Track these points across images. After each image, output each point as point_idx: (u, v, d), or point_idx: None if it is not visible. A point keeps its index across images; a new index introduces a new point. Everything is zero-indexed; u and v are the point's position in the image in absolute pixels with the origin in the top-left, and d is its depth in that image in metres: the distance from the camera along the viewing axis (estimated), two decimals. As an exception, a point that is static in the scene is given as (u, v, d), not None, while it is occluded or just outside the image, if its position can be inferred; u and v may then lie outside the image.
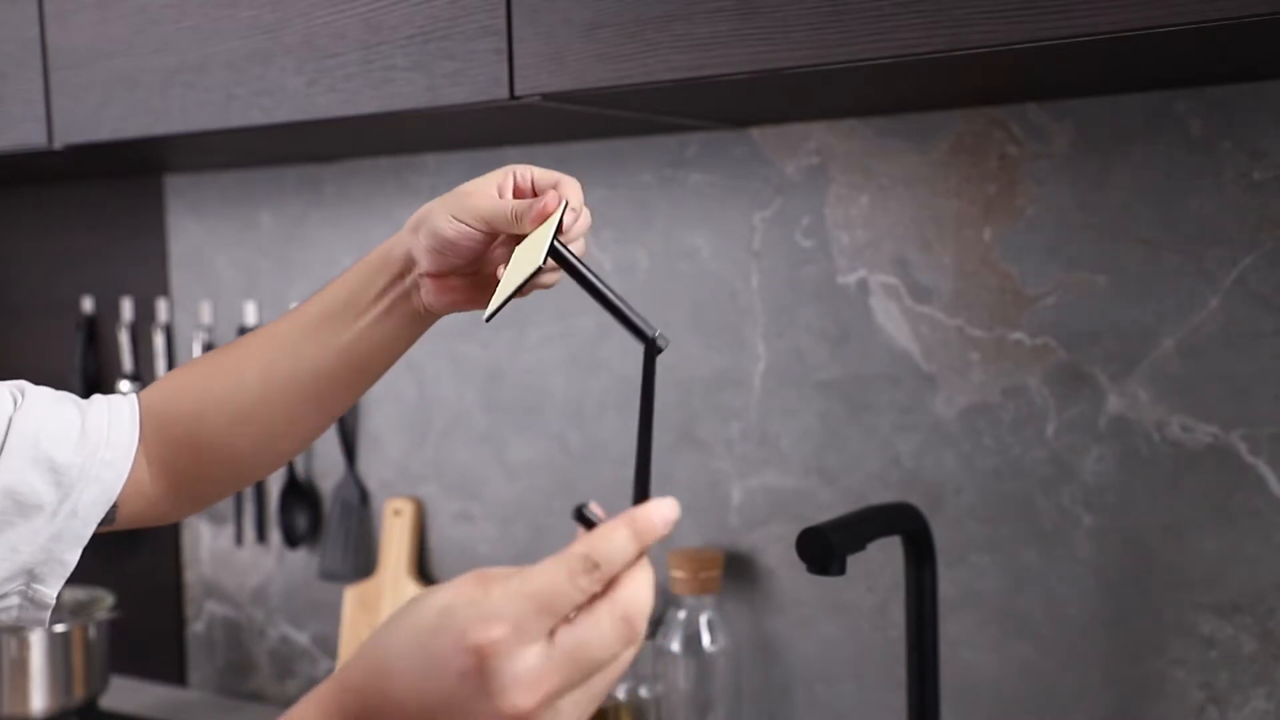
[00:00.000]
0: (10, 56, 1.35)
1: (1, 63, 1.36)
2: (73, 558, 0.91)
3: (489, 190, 0.89)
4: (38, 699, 1.63)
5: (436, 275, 0.91)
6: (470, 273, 0.91)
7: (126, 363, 1.83)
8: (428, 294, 0.91)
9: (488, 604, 0.55)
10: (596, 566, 0.56)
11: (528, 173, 0.90)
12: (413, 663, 0.56)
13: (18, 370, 1.98)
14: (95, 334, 1.88)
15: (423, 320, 0.94)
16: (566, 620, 0.56)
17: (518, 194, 0.90)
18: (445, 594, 0.57)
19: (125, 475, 0.92)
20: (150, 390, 0.97)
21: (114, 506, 0.92)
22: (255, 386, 0.94)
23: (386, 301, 0.92)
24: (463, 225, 0.88)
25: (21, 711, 1.63)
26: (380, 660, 0.57)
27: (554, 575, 0.55)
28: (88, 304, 1.88)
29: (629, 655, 0.58)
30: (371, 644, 0.58)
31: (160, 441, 0.95)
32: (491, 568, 0.59)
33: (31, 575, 0.90)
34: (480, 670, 0.54)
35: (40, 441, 0.88)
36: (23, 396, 0.90)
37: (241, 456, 0.97)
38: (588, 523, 0.59)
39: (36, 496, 0.88)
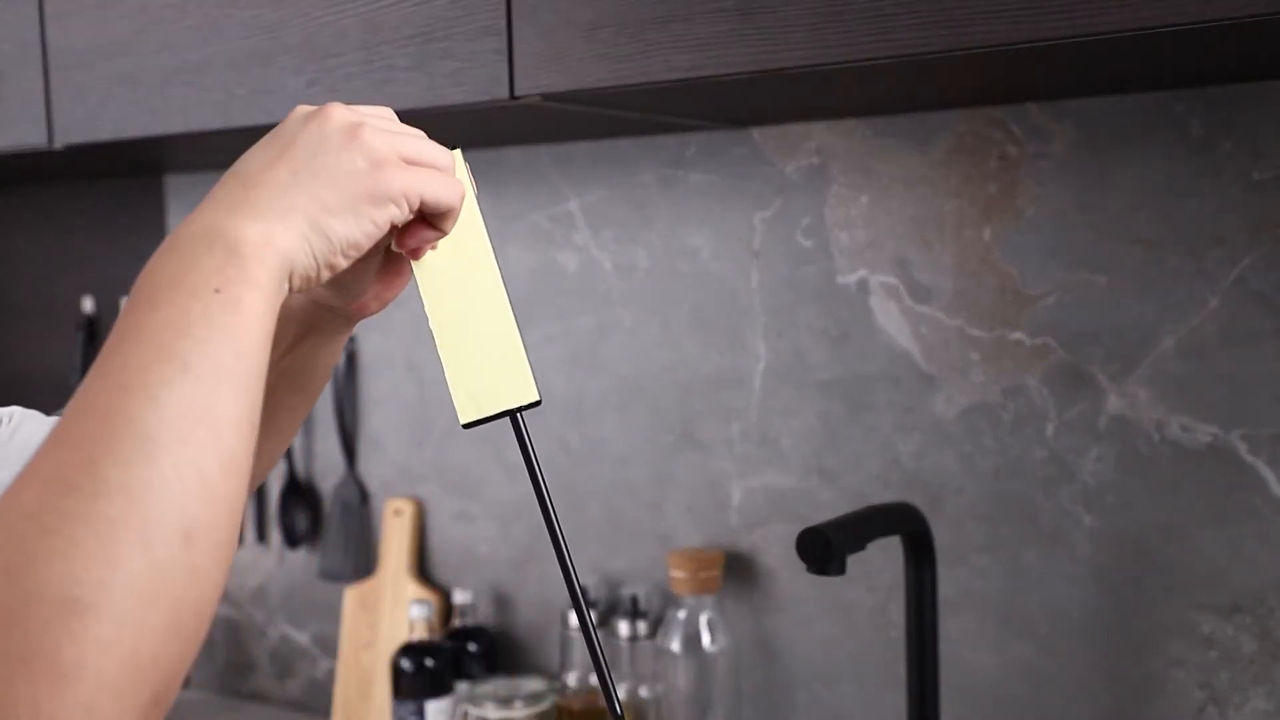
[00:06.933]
0: (10, 56, 1.35)
1: (1, 63, 1.36)
2: None
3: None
4: (38, 699, 1.63)
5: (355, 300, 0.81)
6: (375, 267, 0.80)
7: (127, 363, 1.83)
8: (353, 314, 0.82)
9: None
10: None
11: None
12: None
13: (18, 371, 1.99)
14: (95, 334, 1.88)
15: (346, 328, 0.85)
16: None
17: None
18: None
19: None
20: None
21: None
22: None
23: (298, 342, 0.84)
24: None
25: (21, 711, 1.62)
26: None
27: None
28: (88, 304, 1.88)
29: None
30: None
31: None
32: None
33: None
34: (318, 112, 0.71)
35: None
36: (16, 416, 0.91)
37: None
38: None
39: None
